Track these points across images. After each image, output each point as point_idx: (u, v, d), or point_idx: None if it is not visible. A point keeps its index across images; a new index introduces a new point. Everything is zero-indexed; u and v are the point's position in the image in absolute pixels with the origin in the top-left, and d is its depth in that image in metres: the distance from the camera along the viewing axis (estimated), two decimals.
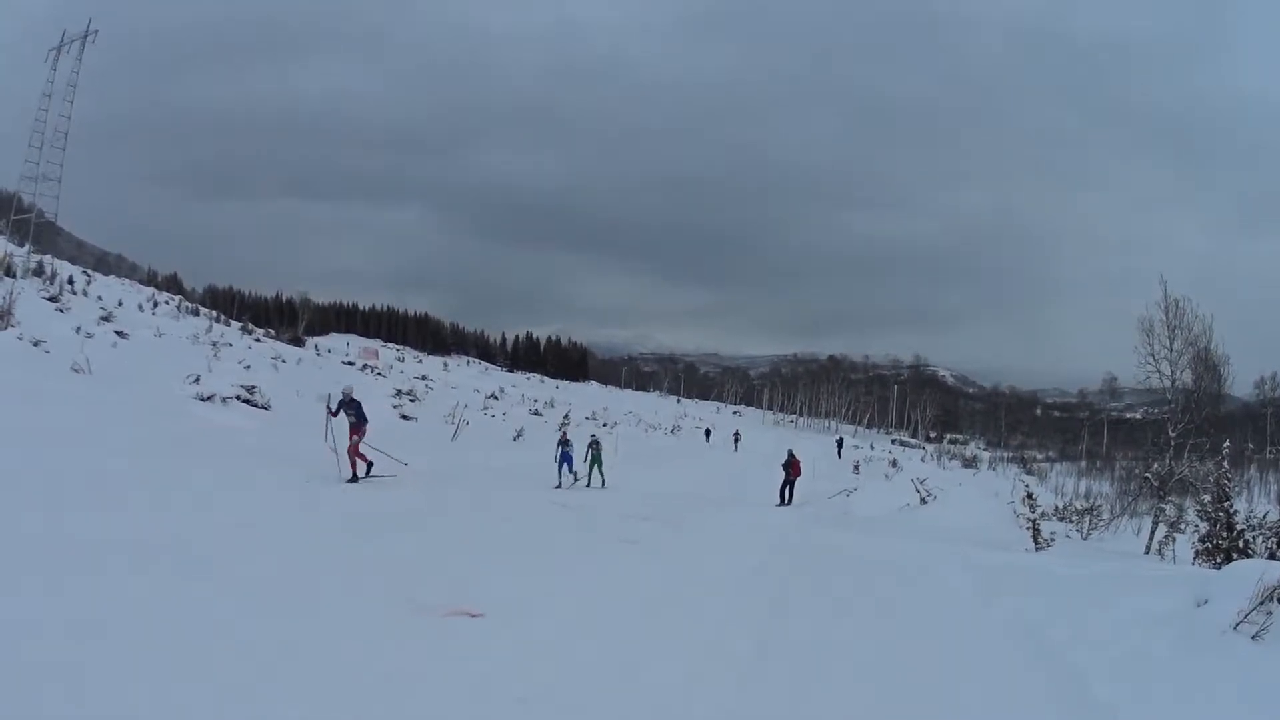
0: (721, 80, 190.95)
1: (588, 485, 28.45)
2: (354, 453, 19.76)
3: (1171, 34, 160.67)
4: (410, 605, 8.66)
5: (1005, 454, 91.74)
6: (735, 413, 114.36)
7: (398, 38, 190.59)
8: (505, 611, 8.87)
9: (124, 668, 6.08)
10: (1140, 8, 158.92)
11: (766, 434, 78.46)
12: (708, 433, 67.43)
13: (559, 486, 26.82)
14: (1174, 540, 22.22)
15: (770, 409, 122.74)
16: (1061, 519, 25.83)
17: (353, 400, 20.49)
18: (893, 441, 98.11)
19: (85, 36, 68.31)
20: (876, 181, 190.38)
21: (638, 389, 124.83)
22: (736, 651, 8.22)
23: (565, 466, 28.21)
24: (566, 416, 56.94)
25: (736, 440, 59.80)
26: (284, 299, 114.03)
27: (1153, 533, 23.93)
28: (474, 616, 8.58)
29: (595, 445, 30.56)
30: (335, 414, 20.34)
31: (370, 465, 20.04)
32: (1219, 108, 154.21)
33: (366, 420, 20.47)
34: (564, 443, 29.14)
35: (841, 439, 68.48)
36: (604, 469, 30.00)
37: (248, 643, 6.92)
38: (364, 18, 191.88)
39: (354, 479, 19.05)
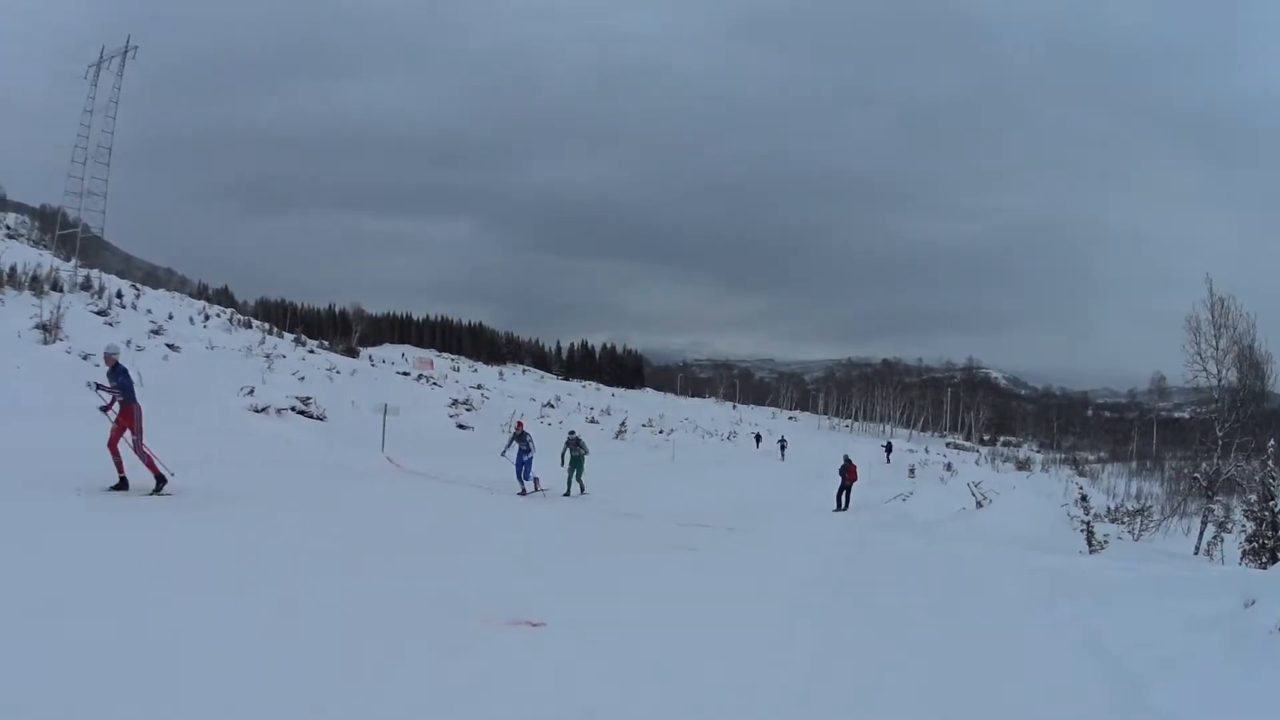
0: (764, 87, 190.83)
1: (566, 493, 24.98)
2: (115, 448, 13.55)
3: (1202, 34, 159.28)
4: (473, 615, 8.64)
5: (1057, 456, 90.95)
6: (791, 418, 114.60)
7: (444, 52, 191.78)
8: (567, 620, 8.83)
9: (197, 682, 6.07)
10: (1172, 8, 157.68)
11: (821, 439, 79.01)
12: (758, 438, 67.20)
13: (522, 493, 23.45)
14: (1222, 540, 22.52)
15: (825, 414, 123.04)
16: (1113, 520, 26.09)
17: (118, 366, 13.95)
18: (947, 445, 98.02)
19: (125, 53, 69.02)
20: (922, 185, 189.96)
21: (693, 396, 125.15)
22: (797, 659, 8.21)
23: (524, 470, 24.17)
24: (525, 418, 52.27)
25: (783, 448, 57.12)
26: (337, 310, 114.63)
27: (1201, 533, 24.41)
28: (536, 626, 8.53)
29: (574, 444, 26.24)
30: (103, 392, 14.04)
31: (161, 479, 13.64)
32: (1254, 105, 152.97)
33: (135, 400, 13.83)
34: (519, 438, 24.72)
35: (890, 444, 67.89)
36: (583, 474, 25.79)
37: (311, 656, 6.93)
38: (410, 33, 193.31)
39: (122, 484, 13.32)
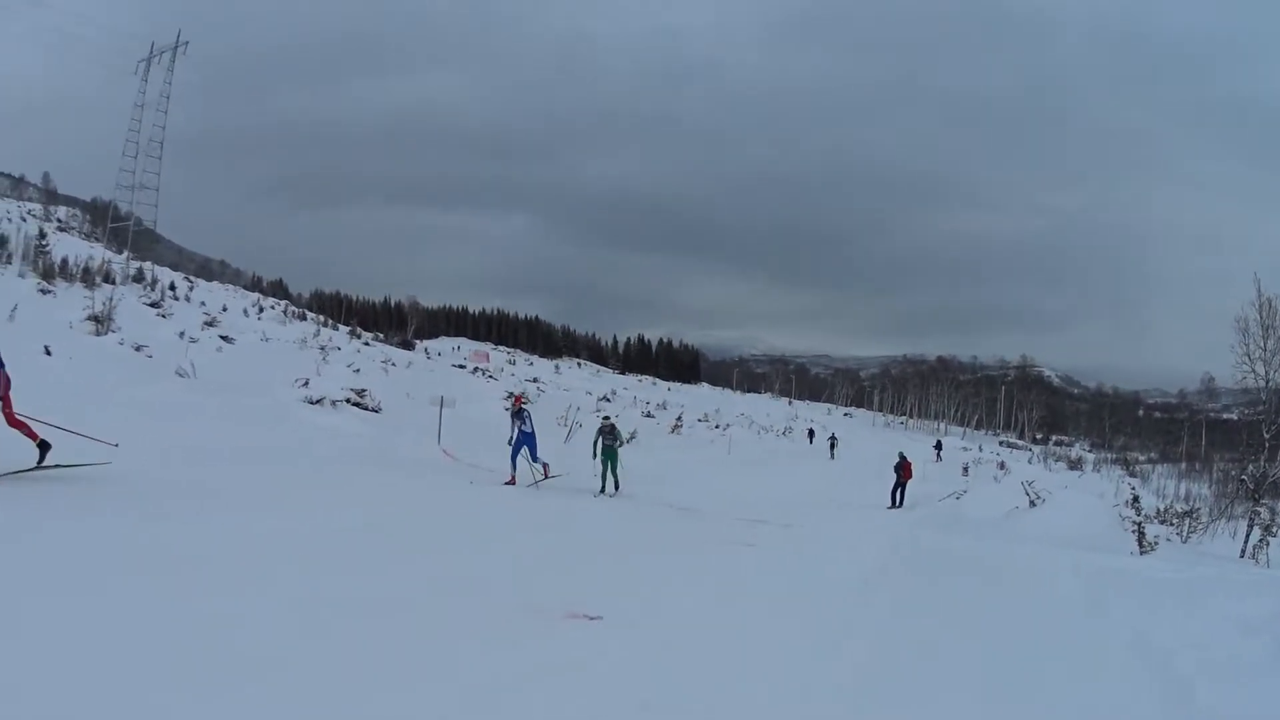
0: (815, 82, 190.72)
1: (600, 491, 22.45)
2: (14, 422, 12.53)
3: (1253, 28, 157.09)
4: (528, 609, 8.65)
5: (1109, 456, 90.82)
6: (846, 414, 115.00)
7: (495, 46, 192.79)
8: (624, 614, 8.87)
9: (256, 669, 6.10)
10: (1218, 3, 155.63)
11: (875, 436, 78.98)
12: (811, 433, 66.95)
13: (511, 482, 21.05)
14: (1268, 543, 22.37)
15: (880, 410, 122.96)
16: (1162, 522, 25.59)
17: None
18: (1000, 443, 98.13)
19: (175, 48, 69.65)
20: (973, 181, 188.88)
21: (749, 391, 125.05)
22: (854, 656, 8.26)
23: (528, 452, 21.81)
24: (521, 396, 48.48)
25: (833, 446, 55.45)
26: (392, 303, 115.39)
27: (1247, 536, 24.01)
28: (592, 619, 8.55)
29: (608, 433, 23.50)
30: None
31: (44, 448, 12.70)
32: None
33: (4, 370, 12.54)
34: (518, 416, 22.33)
35: (940, 441, 67.65)
36: (619, 469, 23.26)
37: (365, 651, 6.88)
38: (461, 28, 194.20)
39: (43, 447, 12.52)
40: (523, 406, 22.96)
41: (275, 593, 8.24)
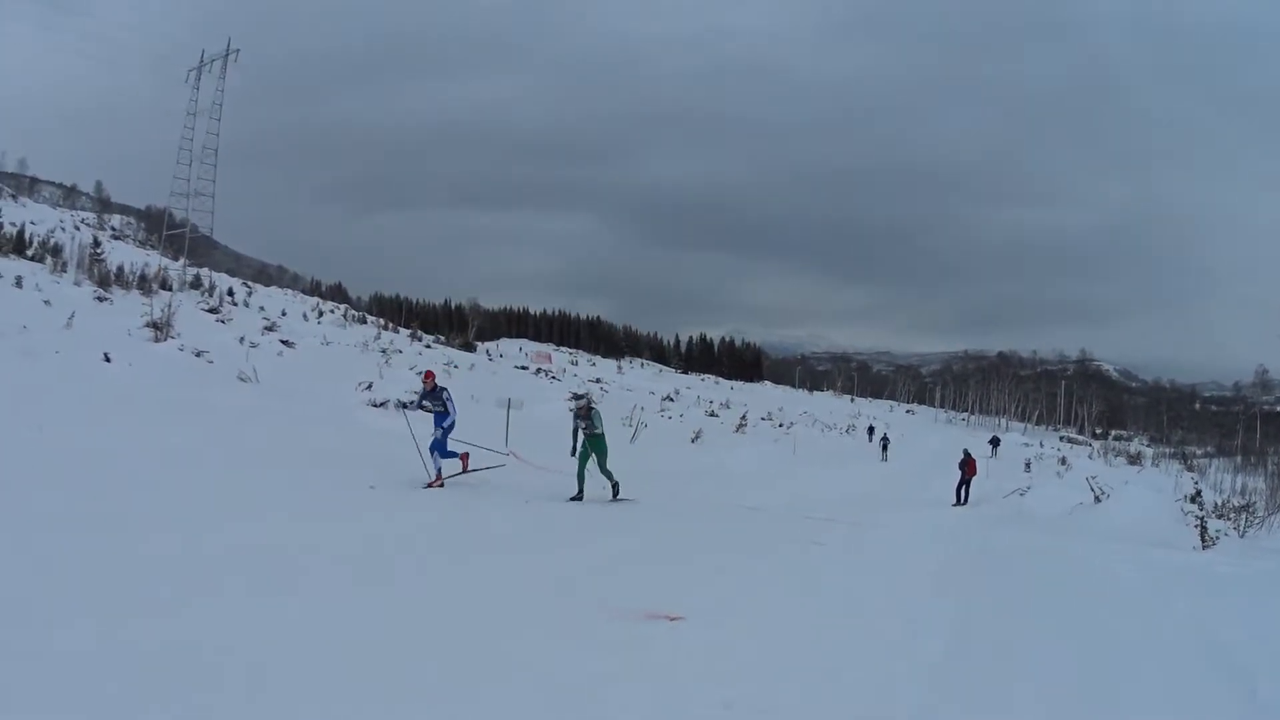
0: (869, 77, 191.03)
1: (577, 494, 18.19)
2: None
3: None
4: (608, 610, 8.75)
5: (1167, 450, 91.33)
6: (909, 411, 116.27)
7: (552, 48, 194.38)
8: (703, 614, 8.93)
9: (330, 674, 6.22)
10: None
11: (937, 433, 79.59)
12: (871, 430, 66.72)
13: (436, 484, 17.13)
14: None
15: (942, 407, 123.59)
16: (1219, 516, 25.35)
17: None
18: (1060, 438, 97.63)
19: (226, 56, 70.52)
20: (1028, 175, 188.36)
21: (811, 389, 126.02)
22: (929, 653, 8.38)
23: (439, 447, 17.64)
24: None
25: (885, 447, 52.75)
26: (452, 306, 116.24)
27: None
28: (673, 620, 8.62)
29: (583, 417, 18.91)
30: None
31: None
32: None
33: None
34: (430, 396, 18.25)
35: (997, 437, 66.78)
36: (607, 462, 18.84)
37: (448, 651, 7.03)
38: (517, 30, 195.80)
39: None
40: (437, 385, 18.39)
41: (357, 594, 8.42)
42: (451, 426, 18.00)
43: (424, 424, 18.56)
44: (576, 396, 21.42)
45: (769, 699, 6.69)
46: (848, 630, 8.95)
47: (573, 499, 17.99)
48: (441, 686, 6.27)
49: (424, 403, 18.44)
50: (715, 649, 7.85)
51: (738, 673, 7.24)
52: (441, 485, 17.25)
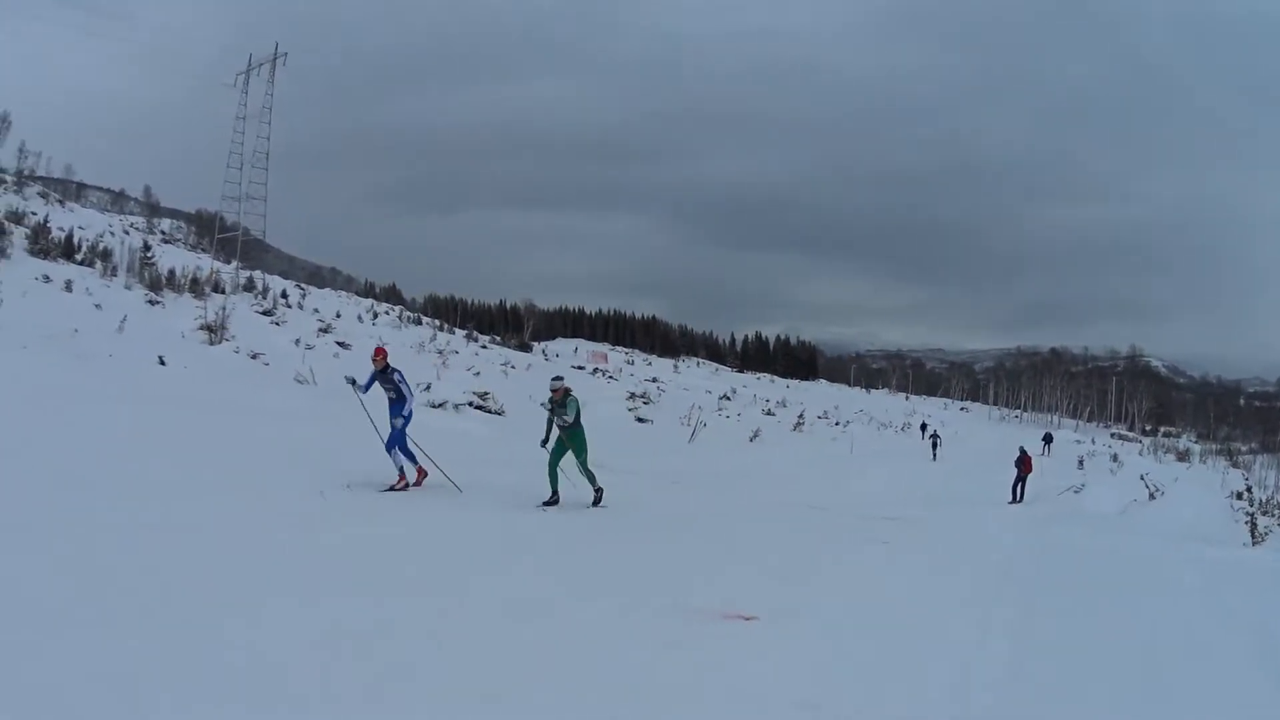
0: (918, 78, 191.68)
1: (550, 499, 15.72)
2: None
3: None
4: (682, 609, 8.89)
5: (1213, 446, 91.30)
6: (962, 408, 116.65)
7: (604, 50, 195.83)
8: (777, 614, 9.05)
9: (416, 673, 6.43)
10: None
11: (990, 431, 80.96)
12: (924, 428, 67.00)
13: (400, 485, 14.96)
14: None
15: (995, 404, 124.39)
16: (1264, 513, 25.71)
17: None
18: (1111, 435, 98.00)
19: (274, 60, 71.12)
20: (1078, 171, 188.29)
21: (866, 387, 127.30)
22: (998, 652, 8.59)
23: (399, 440, 15.20)
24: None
25: (935, 446, 50.82)
26: (508, 306, 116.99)
27: None
28: (748, 620, 8.78)
29: (556, 408, 16.38)
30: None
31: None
32: None
33: None
34: (381, 376, 15.50)
35: (1050, 434, 66.49)
36: (585, 459, 16.36)
37: (521, 652, 7.22)
38: (569, 32, 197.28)
39: None
40: (389, 365, 15.60)
41: (433, 595, 8.56)
42: (409, 417, 15.46)
43: (379, 406, 15.83)
44: (554, 378, 17.21)
45: (844, 699, 6.82)
46: (917, 630, 9.07)
47: (547, 503, 15.61)
48: (522, 687, 6.38)
49: (374, 385, 15.63)
50: (790, 649, 8.00)
51: (813, 673, 7.40)
52: (405, 488, 15.06)
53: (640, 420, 44.73)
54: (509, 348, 75.99)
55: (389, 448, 15.18)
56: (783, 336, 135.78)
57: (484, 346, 69.40)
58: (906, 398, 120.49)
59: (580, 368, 75.07)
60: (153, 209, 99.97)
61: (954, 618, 9.86)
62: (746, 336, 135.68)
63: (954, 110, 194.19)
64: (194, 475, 13.26)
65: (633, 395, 51.19)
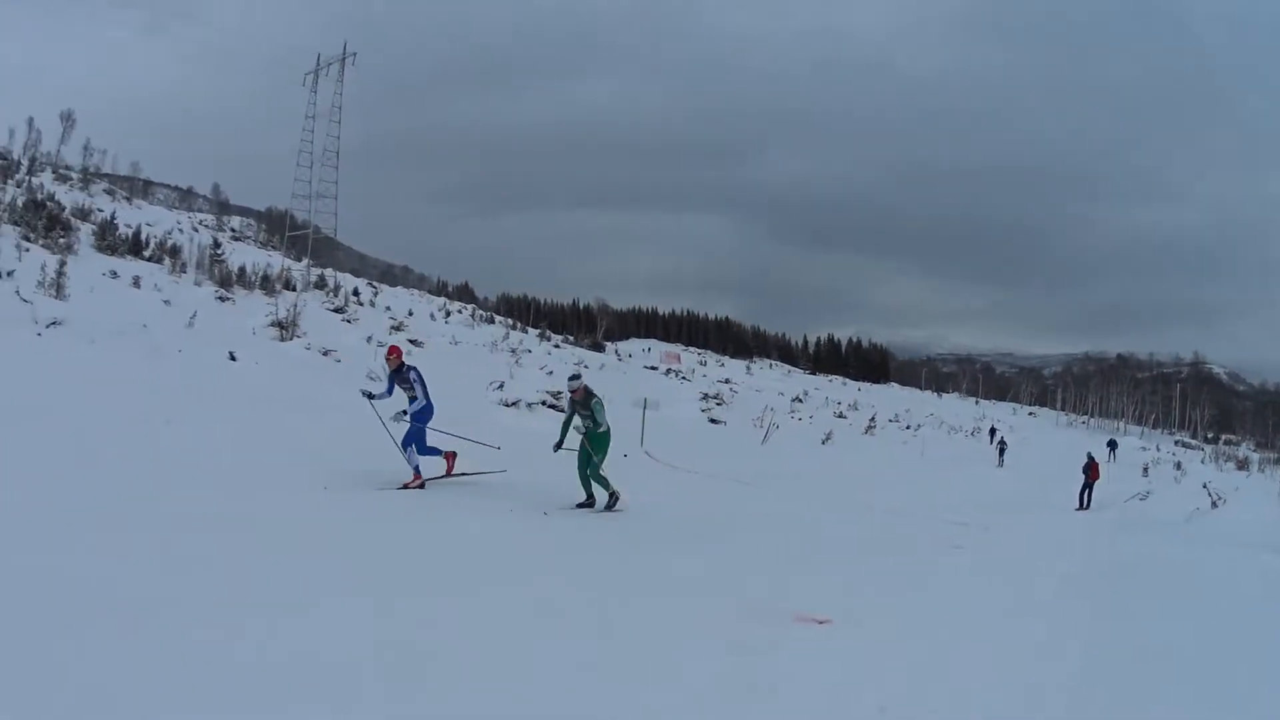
0: (988, 80, 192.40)
1: (586, 501, 15.14)
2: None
3: None
4: (754, 611, 8.98)
5: (1272, 455, 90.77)
6: (1030, 414, 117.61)
7: (674, 49, 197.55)
8: (850, 617, 9.09)
9: (495, 673, 6.49)
10: None
11: (1058, 437, 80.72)
12: (993, 432, 66.60)
13: (416, 484, 14.42)
14: None
15: (1062, 410, 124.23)
16: None
17: None
18: (1175, 442, 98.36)
19: (343, 60, 71.60)
20: (1140, 174, 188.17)
21: (937, 391, 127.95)
22: (1071, 657, 8.67)
23: (410, 445, 14.62)
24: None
25: (1001, 452, 50.69)
26: (580, 306, 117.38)
27: None
28: (822, 623, 8.79)
29: (583, 403, 15.27)
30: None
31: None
32: None
33: None
34: (397, 376, 15.01)
35: (1114, 441, 65.82)
36: (602, 462, 15.26)
37: (595, 653, 7.25)
38: (639, 31, 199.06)
39: None
40: (404, 364, 15.12)
41: (505, 593, 8.74)
42: (424, 414, 14.87)
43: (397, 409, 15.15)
44: (571, 378, 15.95)
45: (920, 703, 6.86)
46: (992, 634, 9.20)
47: (581, 505, 15.10)
48: (585, 691, 6.39)
49: (395, 387, 15.14)
50: (865, 652, 8.04)
51: (889, 676, 7.44)
52: (422, 486, 14.52)
53: (713, 421, 44.90)
54: (582, 347, 76.37)
55: (403, 445, 14.75)
56: (854, 339, 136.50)
57: (556, 346, 69.82)
58: (976, 402, 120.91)
59: (653, 368, 75.49)
60: (221, 206, 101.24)
61: (1027, 622, 10.06)
62: (819, 338, 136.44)
63: (1020, 111, 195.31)
64: (262, 469, 13.55)
65: (706, 396, 51.30)
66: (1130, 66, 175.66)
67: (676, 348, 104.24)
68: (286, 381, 23.52)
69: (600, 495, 15.18)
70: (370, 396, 15.09)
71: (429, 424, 14.89)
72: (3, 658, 5.53)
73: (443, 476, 15.17)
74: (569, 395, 15.52)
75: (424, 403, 14.78)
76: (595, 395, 15.41)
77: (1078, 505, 30.23)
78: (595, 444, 15.20)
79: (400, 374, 14.88)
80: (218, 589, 7.40)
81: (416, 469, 14.63)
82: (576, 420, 15.39)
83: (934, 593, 11.51)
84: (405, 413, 14.72)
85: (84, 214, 59.54)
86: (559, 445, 15.39)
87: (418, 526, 11.57)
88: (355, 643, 6.65)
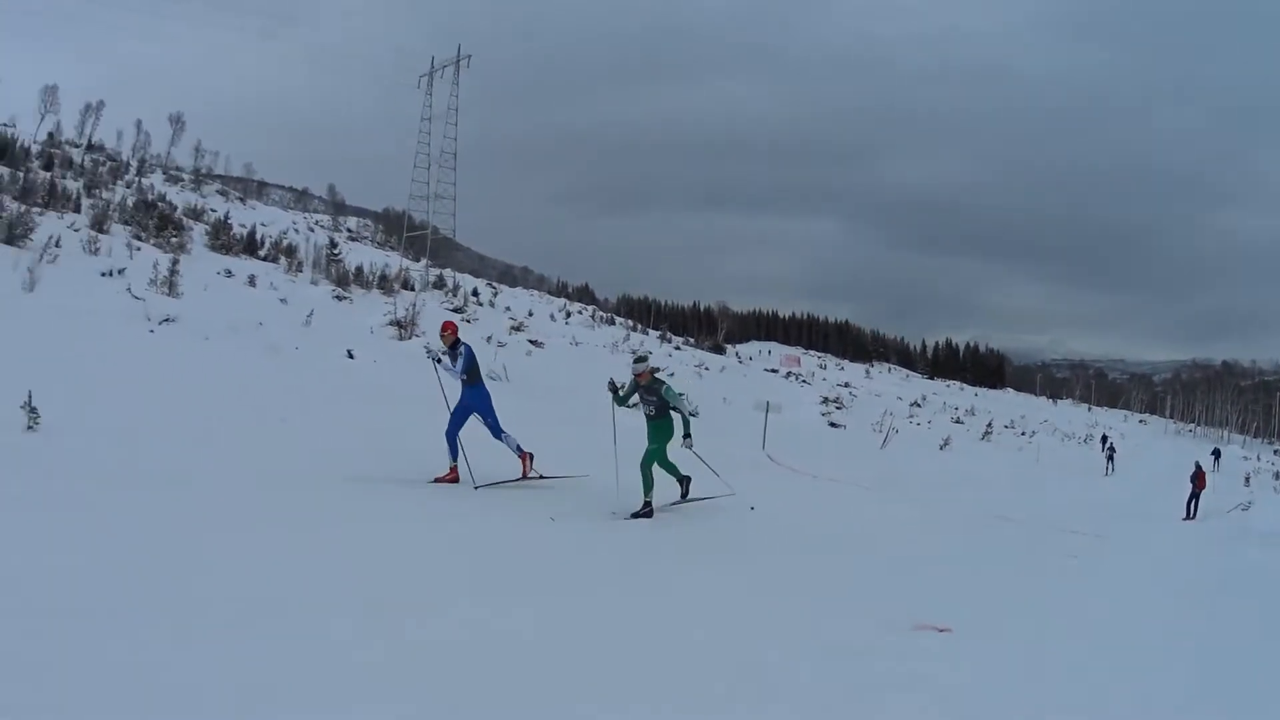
0: (1097, 78, 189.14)
1: (642, 508, 13.79)
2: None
3: None
4: (877, 620, 9.00)
5: None
6: (1141, 421, 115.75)
7: (794, 50, 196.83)
8: (970, 627, 9.13)
9: (613, 681, 6.49)
10: None
11: (1166, 444, 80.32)
12: (1104, 439, 64.81)
13: (449, 477, 14.00)
14: None
15: (1170, 417, 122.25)
16: None
17: None
18: (1275, 451, 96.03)
19: (457, 61, 71.92)
20: (1253, 179, 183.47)
21: (1052, 397, 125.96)
22: (1185, 667, 8.79)
23: (490, 430, 14.55)
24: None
25: (1111, 459, 49.73)
26: (701, 308, 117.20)
27: None
28: (941, 631, 8.82)
29: (646, 391, 14.17)
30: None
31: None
32: None
33: None
34: (451, 353, 14.40)
35: (1218, 449, 65.35)
36: (655, 461, 14.17)
37: (707, 656, 7.36)
38: (757, 32, 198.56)
39: None
40: (459, 339, 14.60)
41: (630, 591, 9.25)
42: (483, 403, 14.41)
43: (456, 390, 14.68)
44: (637, 359, 14.59)
45: (1044, 714, 6.93)
46: (1109, 646, 9.24)
47: (675, 504, 14.53)
48: (719, 700, 6.38)
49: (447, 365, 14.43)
50: (986, 663, 8.08)
51: (1005, 687, 7.51)
52: (455, 480, 13.95)
53: (833, 425, 45.39)
54: (703, 349, 76.50)
55: (497, 435, 14.53)
56: (972, 344, 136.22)
57: (677, 348, 70.05)
58: (1089, 409, 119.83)
59: (774, 370, 75.51)
60: (337, 207, 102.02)
61: (1142, 634, 10.08)
62: (937, 343, 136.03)
63: (1134, 112, 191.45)
64: (381, 466, 13.82)
65: (826, 400, 51.19)
66: (1246, 68, 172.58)
67: (796, 351, 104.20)
68: (405, 379, 23.27)
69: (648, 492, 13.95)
70: (437, 360, 14.47)
71: (491, 405, 14.49)
72: (160, 655, 5.67)
73: (517, 480, 14.43)
74: (632, 378, 14.25)
75: (460, 377, 14.30)
76: (664, 380, 14.53)
77: (1185, 515, 30.15)
78: (657, 432, 14.18)
79: (453, 351, 14.38)
80: (342, 587, 7.67)
81: (518, 448, 14.53)
82: (635, 399, 14.40)
83: (1049, 602, 11.65)
84: (434, 355, 14.53)
85: (197, 214, 60.39)
86: (687, 444, 13.85)
87: (543, 526, 11.84)
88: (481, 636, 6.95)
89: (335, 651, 6.23)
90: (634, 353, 13.27)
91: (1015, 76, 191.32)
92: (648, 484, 13.83)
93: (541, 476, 14.48)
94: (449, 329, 14.58)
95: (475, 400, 14.27)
